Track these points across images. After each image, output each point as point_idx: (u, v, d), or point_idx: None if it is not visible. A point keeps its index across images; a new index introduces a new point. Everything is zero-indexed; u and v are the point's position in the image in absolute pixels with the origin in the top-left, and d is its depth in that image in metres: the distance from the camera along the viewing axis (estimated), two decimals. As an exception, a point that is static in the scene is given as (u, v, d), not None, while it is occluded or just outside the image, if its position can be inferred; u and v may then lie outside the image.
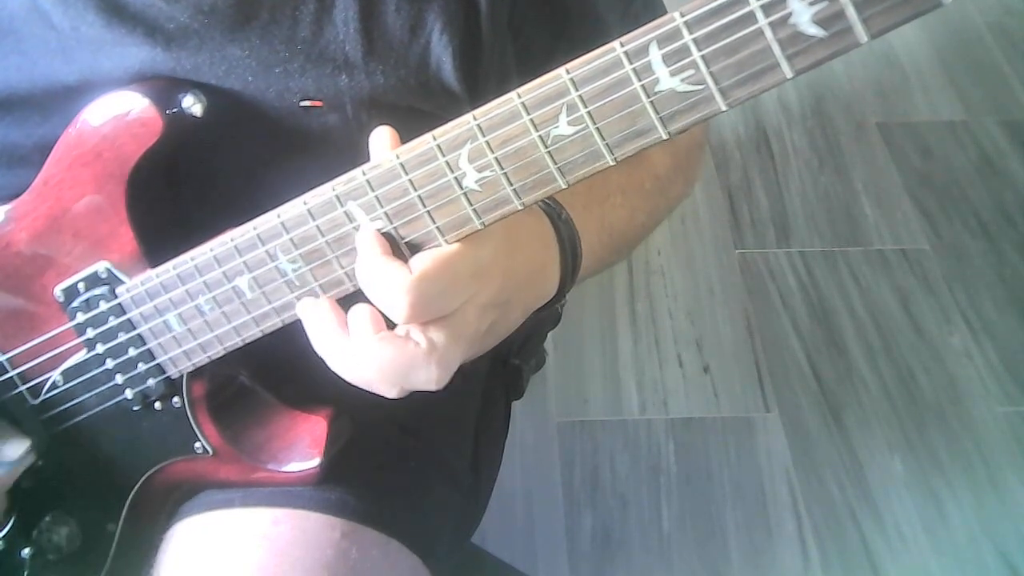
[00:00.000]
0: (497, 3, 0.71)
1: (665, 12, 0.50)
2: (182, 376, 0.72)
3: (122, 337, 0.71)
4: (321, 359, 0.64)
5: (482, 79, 0.73)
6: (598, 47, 0.52)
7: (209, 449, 0.74)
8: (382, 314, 0.60)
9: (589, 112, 0.53)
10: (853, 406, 1.72)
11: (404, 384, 0.61)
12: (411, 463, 0.84)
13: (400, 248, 0.60)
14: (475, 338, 0.63)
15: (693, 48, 0.49)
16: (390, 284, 0.58)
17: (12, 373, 0.75)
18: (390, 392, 0.63)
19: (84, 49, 0.69)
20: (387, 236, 0.60)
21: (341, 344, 0.62)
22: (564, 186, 0.56)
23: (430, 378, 0.61)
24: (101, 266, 0.70)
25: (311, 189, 0.61)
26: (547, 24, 0.76)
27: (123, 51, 0.69)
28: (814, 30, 0.47)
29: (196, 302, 0.67)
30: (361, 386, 0.63)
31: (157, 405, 0.73)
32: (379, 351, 0.60)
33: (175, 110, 0.67)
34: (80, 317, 0.71)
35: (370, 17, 0.70)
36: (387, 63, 0.70)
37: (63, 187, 0.70)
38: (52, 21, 0.70)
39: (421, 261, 0.59)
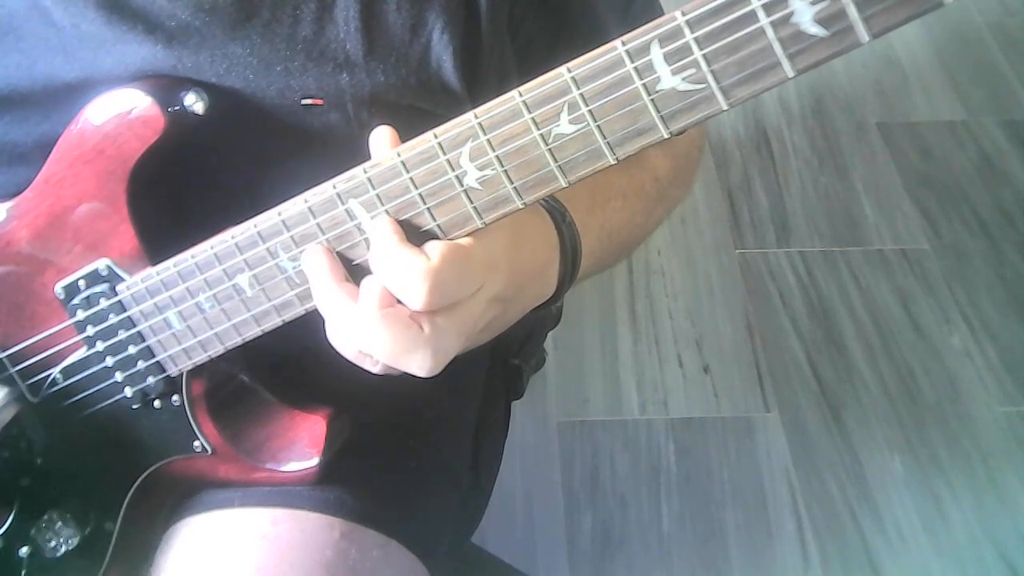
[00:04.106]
0: (497, 2, 0.71)
1: (663, 14, 0.50)
2: (181, 374, 0.72)
3: (122, 334, 0.71)
4: (320, 357, 0.64)
5: (482, 78, 0.73)
6: (597, 47, 0.52)
7: (208, 448, 0.74)
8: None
9: (590, 110, 0.53)
10: (853, 406, 1.72)
11: (396, 364, 0.60)
12: (411, 463, 0.84)
13: (414, 236, 0.60)
14: (474, 332, 0.63)
15: (694, 47, 0.49)
16: (409, 270, 0.57)
17: (12, 370, 0.75)
18: (375, 367, 0.62)
19: (84, 47, 0.69)
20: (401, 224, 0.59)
21: (347, 307, 0.60)
22: (565, 185, 0.55)
23: (424, 365, 0.60)
24: (102, 263, 0.70)
25: (312, 187, 0.61)
26: (546, 23, 0.76)
27: (124, 49, 0.69)
28: (815, 29, 0.47)
29: (196, 299, 0.67)
30: (348, 357, 0.63)
31: (156, 403, 0.73)
32: (382, 326, 0.59)
33: (177, 108, 0.67)
34: (80, 314, 0.71)
35: (371, 16, 0.70)
36: (388, 62, 0.70)
37: (64, 185, 0.69)
38: (52, 18, 0.69)
39: (438, 248, 0.58)
